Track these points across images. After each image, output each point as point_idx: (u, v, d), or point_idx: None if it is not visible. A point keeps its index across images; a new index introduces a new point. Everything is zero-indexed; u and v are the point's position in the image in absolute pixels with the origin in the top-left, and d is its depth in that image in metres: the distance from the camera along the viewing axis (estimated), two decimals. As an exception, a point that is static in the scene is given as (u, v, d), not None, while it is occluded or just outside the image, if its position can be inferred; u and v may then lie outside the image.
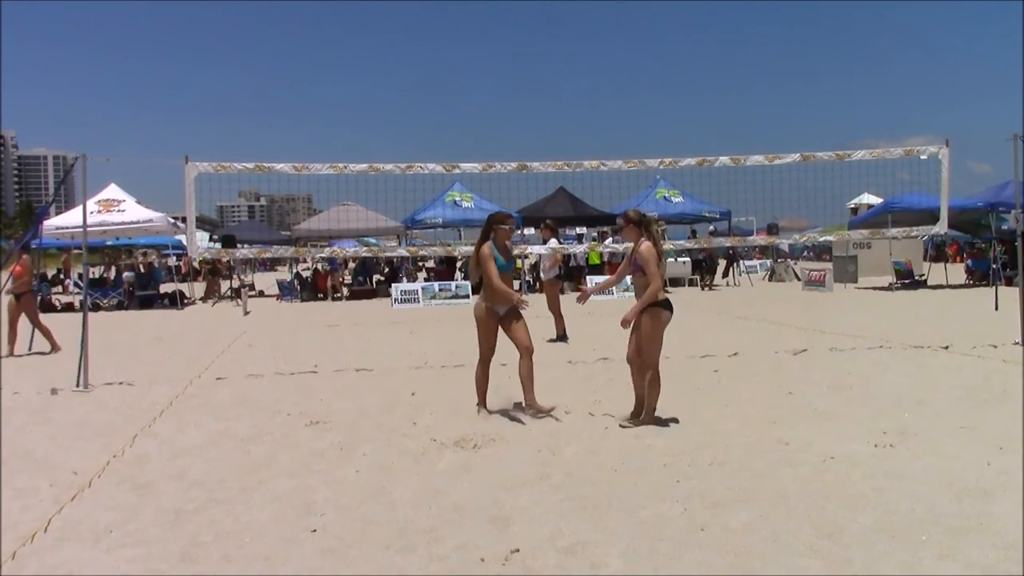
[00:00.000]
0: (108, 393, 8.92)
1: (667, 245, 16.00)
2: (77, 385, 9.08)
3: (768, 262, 33.29)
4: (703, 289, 25.26)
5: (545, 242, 13.93)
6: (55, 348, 12.39)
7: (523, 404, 7.11)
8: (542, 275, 14.44)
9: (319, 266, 27.87)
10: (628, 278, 7.16)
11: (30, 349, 12.51)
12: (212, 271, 28.57)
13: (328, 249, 20.25)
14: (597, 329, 14.12)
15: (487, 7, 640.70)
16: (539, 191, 23.49)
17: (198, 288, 28.94)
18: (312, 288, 26.09)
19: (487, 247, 7.11)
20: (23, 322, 12.46)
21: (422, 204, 24.65)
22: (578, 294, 7.88)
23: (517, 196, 23.15)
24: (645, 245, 6.59)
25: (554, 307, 12.66)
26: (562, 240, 18.03)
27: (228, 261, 26.84)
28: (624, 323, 6.68)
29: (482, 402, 7.27)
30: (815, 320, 14.90)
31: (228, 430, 6.96)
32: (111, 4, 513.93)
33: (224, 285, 28.14)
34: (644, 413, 6.64)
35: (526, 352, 7.06)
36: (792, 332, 13.07)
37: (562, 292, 13.86)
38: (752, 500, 4.70)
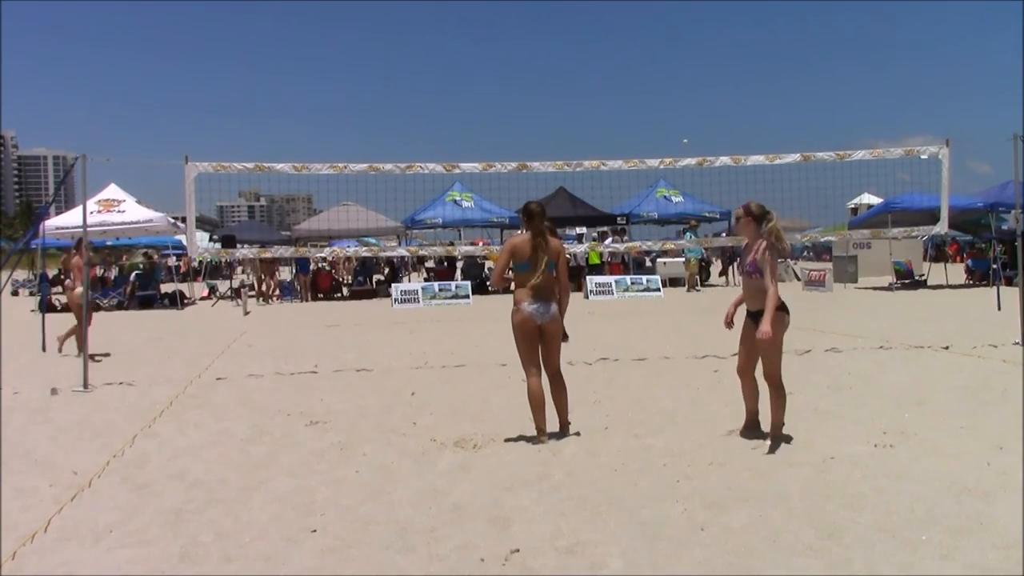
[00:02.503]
0: (108, 393, 8.92)
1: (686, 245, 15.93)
2: (84, 386, 9.07)
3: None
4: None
5: None
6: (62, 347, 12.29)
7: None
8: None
9: (320, 266, 27.84)
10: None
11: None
12: (266, 272, 26.61)
13: (328, 250, 20.20)
14: (597, 329, 14.13)
15: (487, 7, 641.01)
16: (539, 191, 23.36)
17: (197, 288, 28.91)
18: (313, 288, 26.07)
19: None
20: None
21: (422, 204, 24.67)
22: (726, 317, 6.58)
23: (517, 196, 23.02)
24: (764, 246, 5.93)
25: None
26: (562, 240, 17.98)
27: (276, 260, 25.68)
28: (765, 335, 5.85)
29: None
30: (815, 320, 14.88)
31: (228, 430, 6.96)
32: (111, 4, 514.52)
33: (226, 285, 28.02)
34: (772, 428, 5.96)
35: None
36: (792, 332, 12.99)
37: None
38: (752, 500, 4.69)
